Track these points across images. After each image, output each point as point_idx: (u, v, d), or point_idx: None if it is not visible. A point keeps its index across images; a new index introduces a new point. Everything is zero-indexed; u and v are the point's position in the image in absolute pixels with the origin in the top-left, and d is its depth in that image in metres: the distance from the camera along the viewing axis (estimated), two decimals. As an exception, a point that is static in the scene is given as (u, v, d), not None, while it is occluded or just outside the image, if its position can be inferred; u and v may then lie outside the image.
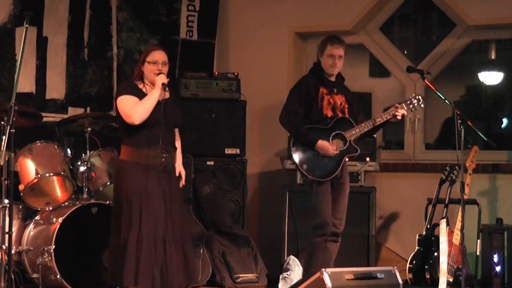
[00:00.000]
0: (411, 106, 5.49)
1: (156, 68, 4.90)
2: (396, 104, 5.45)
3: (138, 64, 5.00)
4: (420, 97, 5.53)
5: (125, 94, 4.88)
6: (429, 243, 6.05)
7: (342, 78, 5.64)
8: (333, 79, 5.56)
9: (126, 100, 4.86)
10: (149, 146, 4.84)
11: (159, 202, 4.84)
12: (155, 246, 4.77)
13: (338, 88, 5.54)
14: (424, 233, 6.11)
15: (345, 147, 5.39)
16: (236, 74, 6.83)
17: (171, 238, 4.83)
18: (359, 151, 5.46)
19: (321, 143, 5.32)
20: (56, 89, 6.59)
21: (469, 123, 5.11)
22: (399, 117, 5.42)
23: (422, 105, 5.54)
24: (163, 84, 4.84)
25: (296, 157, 5.36)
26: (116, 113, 4.97)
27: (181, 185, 5.05)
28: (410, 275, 6.06)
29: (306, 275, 5.45)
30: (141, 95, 4.88)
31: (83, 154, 5.83)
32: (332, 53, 5.49)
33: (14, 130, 4.69)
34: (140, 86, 4.96)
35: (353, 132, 5.40)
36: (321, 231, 5.40)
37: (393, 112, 5.41)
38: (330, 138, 5.38)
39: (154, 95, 4.83)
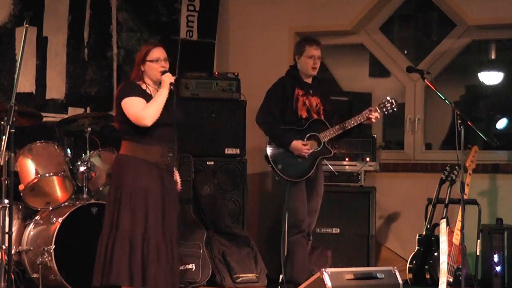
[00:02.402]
0: (384, 109, 5.56)
1: (160, 66, 4.83)
2: (370, 108, 5.54)
3: (136, 64, 4.90)
4: (393, 100, 5.58)
5: (132, 96, 4.78)
6: (429, 243, 6.06)
7: (318, 80, 5.69)
8: (309, 81, 5.63)
9: (134, 102, 4.76)
10: (157, 144, 4.80)
11: (161, 201, 4.83)
12: (158, 245, 4.75)
13: (314, 90, 5.62)
14: (424, 233, 6.11)
15: (319, 149, 5.49)
16: (236, 74, 6.82)
17: (167, 239, 4.82)
18: (333, 152, 5.58)
19: (295, 143, 5.42)
20: (56, 89, 6.59)
21: (469, 123, 5.12)
22: (373, 120, 5.52)
23: (395, 109, 5.59)
24: (171, 83, 4.79)
25: (271, 157, 5.45)
26: (118, 112, 4.88)
27: (178, 189, 5.02)
28: (410, 275, 6.06)
29: (287, 273, 5.54)
30: (145, 96, 4.82)
31: (83, 154, 5.83)
32: (312, 54, 5.56)
33: (14, 130, 4.68)
34: (143, 86, 4.91)
35: (328, 134, 5.50)
36: (297, 230, 5.51)
37: (367, 115, 5.49)
38: (305, 139, 5.47)
39: (163, 95, 4.77)
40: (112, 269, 4.68)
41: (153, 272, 4.69)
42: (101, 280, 4.74)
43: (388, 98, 5.60)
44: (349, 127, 5.49)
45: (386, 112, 5.59)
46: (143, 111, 4.73)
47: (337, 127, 5.49)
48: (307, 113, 5.53)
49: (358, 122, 5.49)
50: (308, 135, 5.49)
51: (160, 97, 4.78)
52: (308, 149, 5.44)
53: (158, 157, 4.81)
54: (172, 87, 4.79)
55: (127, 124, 4.81)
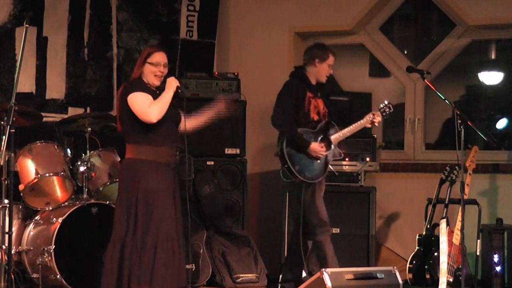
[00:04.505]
0: (384, 114, 5.71)
1: (158, 70, 4.88)
2: (372, 112, 5.67)
3: (138, 63, 4.94)
4: (390, 105, 5.73)
5: (139, 91, 4.81)
6: (429, 243, 6.05)
7: (322, 84, 5.74)
8: (314, 83, 5.68)
9: (141, 98, 4.79)
10: (165, 144, 4.85)
11: (173, 201, 4.88)
12: (173, 245, 4.80)
13: (320, 93, 5.69)
14: (424, 233, 6.11)
15: (330, 151, 5.57)
16: (236, 74, 6.83)
17: (177, 236, 4.87)
18: (342, 155, 5.68)
19: (314, 145, 5.48)
20: (56, 89, 6.59)
21: (469, 123, 5.12)
22: (376, 124, 5.67)
23: (391, 113, 5.75)
24: (178, 87, 4.87)
25: (289, 158, 5.45)
26: (122, 111, 4.87)
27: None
28: (410, 275, 6.06)
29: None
30: (151, 92, 4.86)
31: (83, 154, 5.83)
32: (332, 63, 5.66)
33: (14, 130, 4.69)
34: (146, 84, 4.94)
35: (338, 137, 5.59)
36: (323, 228, 5.54)
37: (370, 119, 5.62)
38: (318, 141, 5.53)
39: (169, 95, 4.83)
40: (141, 274, 4.71)
41: (164, 272, 4.73)
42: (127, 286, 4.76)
43: (386, 102, 5.74)
44: (356, 130, 5.61)
45: (385, 117, 5.75)
46: (150, 107, 4.77)
47: (345, 130, 5.58)
48: (317, 115, 5.60)
49: (363, 126, 5.62)
50: (320, 137, 5.55)
51: (166, 97, 4.84)
52: (324, 151, 5.51)
53: (168, 157, 4.86)
54: (179, 90, 4.87)
55: (133, 122, 4.81)
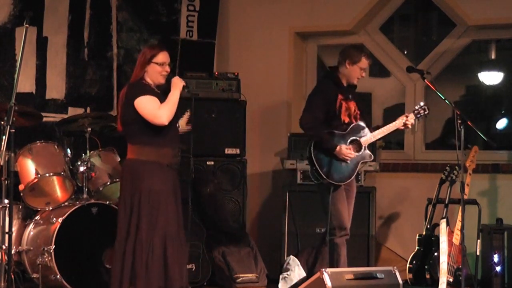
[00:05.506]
0: (418, 116, 5.62)
1: (163, 70, 4.90)
2: (406, 114, 5.58)
3: (140, 63, 4.91)
4: (426, 107, 5.63)
5: (147, 95, 4.81)
6: (429, 243, 6.06)
7: (354, 86, 5.67)
8: (345, 85, 5.62)
9: (150, 101, 4.80)
10: (168, 146, 4.87)
11: (174, 201, 4.90)
12: (176, 244, 4.82)
13: (352, 95, 5.62)
14: (424, 233, 6.11)
15: (360, 153, 5.50)
16: (236, 74, 6.82)
17: (179, 235, 4.89)
18: (373, 157, 5.61)
19: (340, 148, 5.41)
20: (56, 89, 6.59)
21: (469, 123, 5.12)
22: (409, 126, 5.59)
23: (426, 115, 5.64)
24: (184, 86, 4.90)
25: (316, 160, 5.42)
26: (126, 113, 4.85)
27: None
28: (410, 275, 6.06)
29: None
30: (156, 94, 4.87)
31: (83, 154, 5.83)
32: (365, 66, 5.58)
33: (14, 130, 4.69)
34: (151, 85, 4.94)
35: (368, 139, 5.52)
36: (343, 232, 5.51)
37: (404, 121, 5.55)
38: (347, 144, 5.48)
39: (176, 96, 4.86)
40: (151, 275, 4.72)
41: (173, 272, 4.74)
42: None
43: (422, 103, 5.67)
44: (387, 132, 5.56)
45: (420, 119, 5.67)
46: (160, 110, 4.79)
47: (376, 133, 5.53)
48: (348, 118, 5.55)
49: (396, 128, 5.56)
50: (349, 139, 5.49)
51: (174, 98, 4.86)
52: (352, 154, 5.45)
53: (171, 158, 4.87)
54: (185, 90, 4.91)
55: (139, 124, 4.82)
